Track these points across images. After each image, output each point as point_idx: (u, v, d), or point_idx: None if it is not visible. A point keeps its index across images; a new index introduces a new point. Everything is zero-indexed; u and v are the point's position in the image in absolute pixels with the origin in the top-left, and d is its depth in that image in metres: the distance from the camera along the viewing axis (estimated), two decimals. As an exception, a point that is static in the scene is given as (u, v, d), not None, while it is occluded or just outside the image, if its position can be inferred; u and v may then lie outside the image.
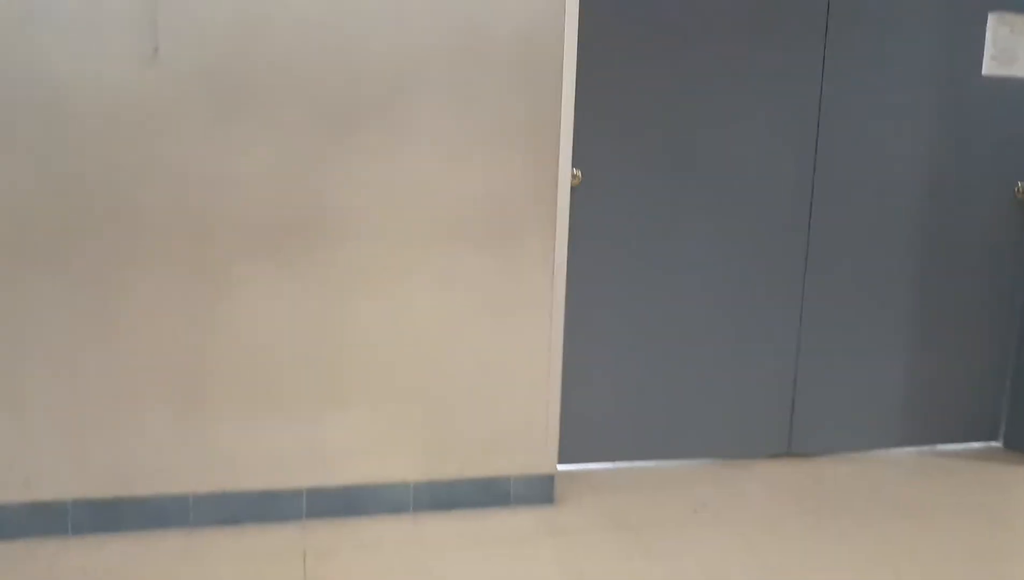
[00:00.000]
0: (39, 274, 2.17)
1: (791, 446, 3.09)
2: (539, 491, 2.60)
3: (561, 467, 2.90)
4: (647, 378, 2.93)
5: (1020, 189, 3.10)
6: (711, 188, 2.85)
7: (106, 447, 2.28)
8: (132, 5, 2.11)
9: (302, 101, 2.25)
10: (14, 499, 2.25)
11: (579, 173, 2.69)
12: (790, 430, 3.08)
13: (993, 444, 3.29)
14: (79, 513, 2.30)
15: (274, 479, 2.40)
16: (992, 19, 2.95)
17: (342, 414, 2.42)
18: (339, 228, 2.33)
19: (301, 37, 2.22)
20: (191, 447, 2.33)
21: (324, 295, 2.35)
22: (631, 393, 2.92)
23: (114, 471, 2.30)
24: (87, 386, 2.25)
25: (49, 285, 2.18)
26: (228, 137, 2.22)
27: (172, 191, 2.21)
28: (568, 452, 2.90)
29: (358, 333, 2.39)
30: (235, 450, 2.36)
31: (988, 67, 2.98)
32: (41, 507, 2.27)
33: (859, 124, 2.93)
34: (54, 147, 2.13)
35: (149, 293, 2.24)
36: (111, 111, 2.14)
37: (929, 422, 3.22)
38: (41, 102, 2.11)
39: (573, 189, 2.69)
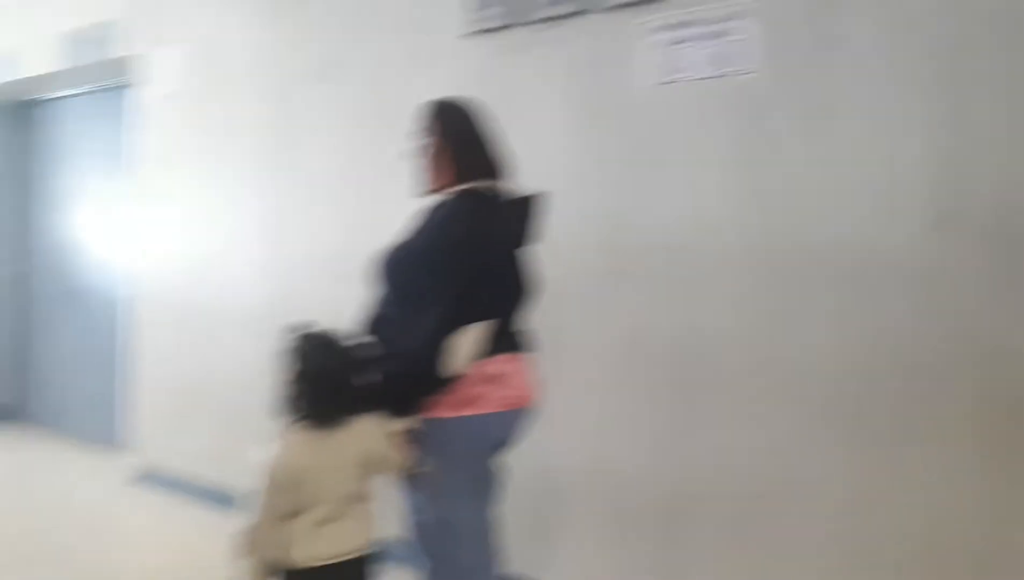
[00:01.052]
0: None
1: None
2: None
3: None
4: None
5: None
6: None
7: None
8: (924, 172, 2.09)
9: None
10: None
11: None
12: None
13: None
14: None
15: None
16: None
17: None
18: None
19: None
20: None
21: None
22: None
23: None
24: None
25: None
26: (1013, 302, 2.03)
27: (962, 361, 2.06)
28: None
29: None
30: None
31: None
32: None
33: None
34: (850, 310, 2.17)
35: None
36: (896, 273, 2.12)
37: None
38: (835, 270, 2.18)
39: None
